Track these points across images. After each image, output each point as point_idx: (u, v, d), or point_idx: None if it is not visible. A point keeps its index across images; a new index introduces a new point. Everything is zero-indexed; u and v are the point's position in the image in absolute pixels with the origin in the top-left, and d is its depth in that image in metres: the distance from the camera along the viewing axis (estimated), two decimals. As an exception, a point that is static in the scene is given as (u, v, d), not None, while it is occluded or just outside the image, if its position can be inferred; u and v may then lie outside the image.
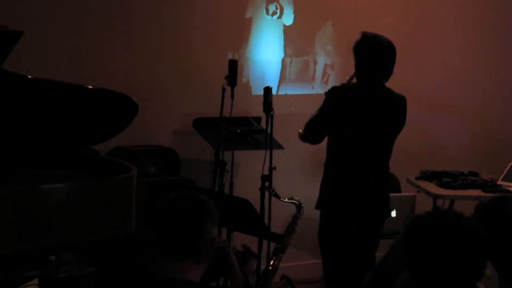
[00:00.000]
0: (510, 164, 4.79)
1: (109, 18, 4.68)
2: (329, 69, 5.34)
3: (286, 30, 5.18)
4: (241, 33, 5.06)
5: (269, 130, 4.14)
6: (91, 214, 3.45)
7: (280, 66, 5.20)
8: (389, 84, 3.78)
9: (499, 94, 5.88)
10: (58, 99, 3.64)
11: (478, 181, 4.74)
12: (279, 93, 5.18)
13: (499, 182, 4.72)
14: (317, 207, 3.86)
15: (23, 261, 3.52)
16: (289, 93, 5.24)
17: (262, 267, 3.87)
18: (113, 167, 3.78)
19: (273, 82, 5.11)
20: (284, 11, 5.15)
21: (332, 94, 3.76)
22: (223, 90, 4.27)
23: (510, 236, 2.28)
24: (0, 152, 3.61)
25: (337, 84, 3.94)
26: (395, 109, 3.80)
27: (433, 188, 4.69)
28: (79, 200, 3.43)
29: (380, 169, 3.82)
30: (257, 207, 3.90)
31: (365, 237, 3.80)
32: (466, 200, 4.41)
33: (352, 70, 3.78)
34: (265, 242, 4.02)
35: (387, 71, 3.74)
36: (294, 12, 5.18)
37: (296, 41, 5.23)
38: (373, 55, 3.69)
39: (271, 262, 3.73)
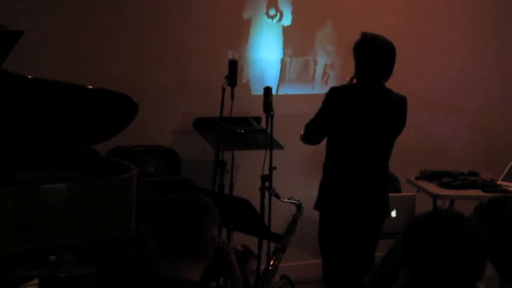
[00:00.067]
0: (510, 164, 4.80)
1: (109, 18, 4.68)
2: (329, 69, 5.34)
3: (286, 30, 5.18)
4: (241, 33, 5.06)
5: (269, 130, 4.13)
6: (91, 214, 3.45)
7: (279, 66, 5.20)
8: (389, 84, 3.78)
9: (499, 94, 5.87)
10: (58, 99, 3.65)
11: (478, 181, 4.74)
12: (279, 93, 5.18)
13: (499, 182, 4.72)
14: (316, 207, 3.85)
15: (23, 261, 3.52)
16: (289, 93, 5.24)
17: (262, 267, 3.87)
18: (113, 167, 3.78)
19: (272, 82, 5.11)
20: (284, 14, 5.15)
21: (332, 94, 3.76)
22: (223, 90, 4.27)
23: (510, 236, 2.28)
24: (0, 152, 3.61)
25: (337, 84, 3.94)
26: (395, 109, 3.80)
27: (433, 188, 4.69)
28: (79, 200, 3.43)
29: (380, 169, 3.82)
30: (257, 207, 3.90)
31: (365, 237, 3.79)
32: (466, 200, 4.40)
33: (352, 70, 3.78)
34: (265, 242, 4.01)
35: (387, 71, 3.74)
36: (294, 12, 5.18)
37: (296, 41, 5.23)
38: (373, 55, 3.69)
39: (271, 262, 3.73)
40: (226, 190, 4.33)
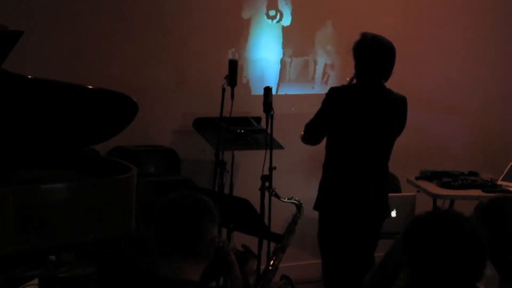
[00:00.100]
0: (510, 164, 4.79)
1: (109, 18, 4.68)
2: (329, 69, 5.34)
3: (286, 30, 5.18)
4: (241, 33, 5.06)
5: (269, 130, 4.13)
6: (91, 214, 3.45)
7: (279, 66, 5.20)
8: (389, 84, 3.78)
9: (499, 94, 5.87)
10: (58, 99, 3.65)
11: (478, 181, 4.74)
12: (279, 93, 5.18)
13: (499, 182, 4.72)
14: (315, 207, 3.84)
15: (23, 261, 3.52)
16: (289, 93, 5.24)
17: (262, 267, 3.87)
18: (113, 167, 3.78)
19: (272, 82, 5.11)
20: (284, 14, 5.15)
21: (331, 94, 3.76)
22: (223, 90, 4.27)
23: (510, 236, 2.28)
24: (0, 152, 3.61)
25: (337, 84, 3.94)
26: (395, 109, 3.80)
27: (433, 188, 4.69)
28: (79, 200, 3.43)
29: (380, 169, 3.82)
30: (257, 207, 3.90)
31: (365, 237, 3.79)
32: (466, 200, 4.40)
33: (352, 71, 3.78)
34: (265, 242, 4.01)
35: (387, 72, 3.74)
36: (294, 12, 5.18)
37: (296, 41, 5.23)
38: (373, 55, 3.69)
39: (271, 262, 3.73)
40: (226, 190, 4.33)
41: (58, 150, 3.84)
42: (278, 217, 4.29)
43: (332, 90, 3.79)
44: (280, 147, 4.52)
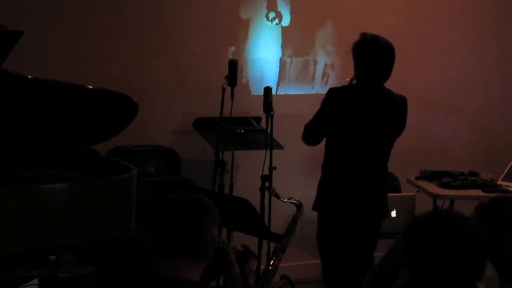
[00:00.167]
0: (510, 164, 4.79)
1: (109, 18, 4.68)
2: (329, 69, 5.34)
3: (286, 30, 5.18)
4: (240, 33, 5.06)
5: (269, 130, 4.14)
6: (91, 214, 3.45)
7: (279, 66, 5.20)
8: (389, 84, 3.78)
9: (499, 94, 5.87)
10: (58, 99, 3.64)
11: (478, 181, 4.74)
12: (279, 93, 5.18)
13: (499, 182, 4.72)
14: (314, 208, 3.84)
15: (23, 261, 3.52)
16: (289, 93, 5.24)
17: (262, 267, 3.87)
18: (113, 167, 3.78)
19: (272, 82, 5.11)
20: (284, 15, 5.15)
21: (331, 94, 3.76)
22: (223, 90, 4.27)
23: (510, 236, 2.28)
24: (0, 152, 3.61)
25: (337, 84, 3.94)
26: (394, 109, 3.80)
27: (433, 188, 4.69)
28: (79, 200, 3.43)
29: (380, 169, 3.82)
30: (257, 207, 3.90)
31: (365, 237, 3.79)
32: (466, 200, 4.40)
33: (352, 71, 3.78)
34: (265, 242, 4.02)
35: (386, 72, 3.73)
36: (295, 12, 5.18)
37: (296, 41, 5.23)
38: (372, 55, 3.69)
39: (271, 262, 3.74)
40: (226, 190, 4.33)
41: (58, 150, 3.84)
42: (278, 217, 4.29)
43: (332, 91, 3.79)
44: (280, 147, 4.52)
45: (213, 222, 2.30)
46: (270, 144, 4.11)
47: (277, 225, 4.20)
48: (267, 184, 3.98)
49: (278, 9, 5.14)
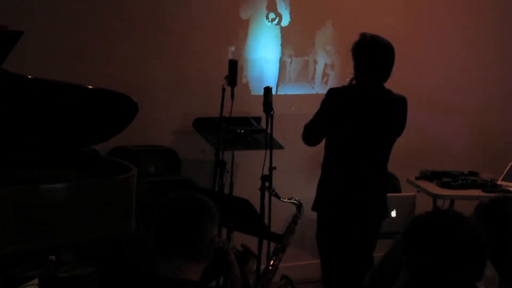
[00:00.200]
0: (510, 164, 4.79)
1: (109, 18, 4.68)
2: (329, 69, 5.34)
3: (286, 30, 5.18)
4: (240, 33, 5.06)
5: (269, 130, 4.14)
6: (91, 214, 3.45)
7: (278, 66, 5.20)
8: (389, 84, 3.78)
9: (499, 94, 5.88)
10: (58, 99, 3.65)
11: (478, 181, 4.74)
12: (278, 93, 5.18)
13: (499, 182, 4.72)
14: (314, 208, 3.84)
15: (23, 261, 3.52)
16: (289, 93, 5.24)
17: (262, 267, 3.87)
18: (113, 167, 3.78)
19: (272, 82, 5.11)
20: (284, 15, 5.15)
21: (331, 94, 3.76)
22: (223, 90, 4.27)
23: (510, 236, 2.28)
24: (0, 152, 3.61)
25: (338, 84, 3.94)
26: (394, 109, 3.80)
27: (433, 188, 4.69)
28: (79, 200, 3.43)
29: (380, 169, 3.83)
30: (257, 207, 3.90)
31: (365, 237, 3.80)
32: (466, 200, 4.40)
33: (352, 71, 3.78)
34: (265, 242, 4.02)
35: (386, 72, 3.73)
36: (295, 12, 5.17)
37: (296, 41, 5.23)
38: (371, 56, 3.69)
39: (271, 262, 3.74)
40: (226, 190, 4.33)
41: (58, 150, 3.84)
42: (278, 217, 4.29)
43: (332, 91, 3.79)
44: (280, 147, 4.52)
45: (213, 222, 2.30)
46: (270, 144, 4.11)
47: (277, 225, 4.20)
48: (267, 184, 3.98)
49: (278, 10, 5.14)
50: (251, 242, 3.37)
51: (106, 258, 3.75)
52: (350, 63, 3.76)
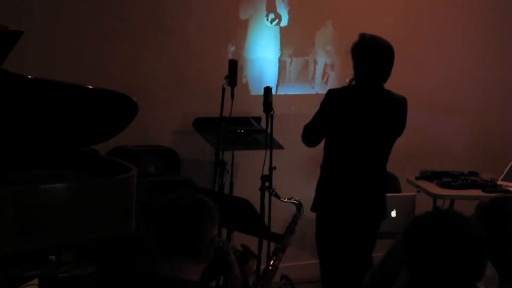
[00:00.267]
0: (510, 164, 4.79)
1: (109, 18, 4.68)
2: (329, 69, 5.34)
3: (286, 30, 5.18)
4: (240, 33, 5.06)
5: (269, 130, 4.14)
6: (91, 214, 3.45)
7: (278, 66, 5.20)
8: (389, 84, 3.78)
9: (499, 94, 5.88)
10: (58, 99, 3.65)
11: (478, 181, 4.74)
12: (278, 93, 5.18)
13: (499, 182, 4.72)
14: (313, 209, 3.84)
15: (23, 261, 3.52)
16: (289, 93, 5.24)
17: (262, 267, 3.87)
18: (113, 167, 3.78)
19: (272, 82, 5.11)
20: (283, 15, 5.15)
21: (331, 95, 3.75)
22: (223, 90, 4.27)
23: (510, 236, 2.28)
24: (0, 152, 3.61)
25: (338, 84, 3.94)
26: (394, 109, 3.80)
27: (433, 188, 4.69)
28: (79, 200, 3.43)
29: (380, 169, 3.83)
30: (257, 207, 3.90)
31: (365, 238, 3.80)
32: (466, 200, 4.40)
33: (352, 71, 3.78)
34: (265, 242, 4.02)
35: (385, 73, 3.73)
36: (295, 12, 5.17)
37: (295, 41, 5.23)
38: (371, 56, 3.68)
39: (271, 262, 3.73)
40: (226, 190, 4.33)
41: (58, 150, 3.84)
42: (278, 217, 4.29)
43: (331, 92, 3.79)
44: (280, 147, 4.52)
45: (213, 222, 2.30)
46: (270, 144, 4.11)
47: (277, 225, 4.20)
48: (267, 184, 3.98)
49: (278, 10, 5.14)
50: (251, 242, 3.37)
51: (106, 258, 3.75)
52: (350, 63, 3.76)
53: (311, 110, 3.84)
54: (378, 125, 3.74)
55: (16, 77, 3.43)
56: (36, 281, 3.45)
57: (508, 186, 4.65)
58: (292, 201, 3.87)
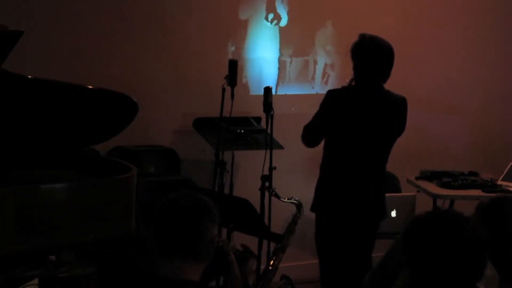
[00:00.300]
0: (510, 164, 4.79)
1: (109, 18, 4.68)
2: (329, 69, 5.34)
3: (286, 30, 5.18)
4: (240, 33, 5.06)
5: (269, 130, 4.14)
6: (91, 214, 3.45)
7: (277, 66, 5.20)
8: (389, 84, 3.78)
9: (499, 94, 5.88)
10: (58, 99, 3.64)
11: (478, 181, 4.74)
12: (278, 93, 5.18)
13: (499, 182, 4.72)
14: (312, 209, 3.84)
15: (23, 261, 3.52)
16: (289, 93, 5.24)
17: (262, 267, 3.87)
18: (113, 167, 3.78)
19: (272, 82, 5.11)
20: (283, 15, 5.15)
21: (331, 95, 3.75)
22: (223, 90, 4.27)
23: (510, 236, 2.28)
24: (0, 152, 3.61)
25: (337, 84, 3.94)
26: (394, 109, 3.79)
27: (433, 188, 4.69)
28: (79, 200, 3.43)
29: (379, 170, 3.83)
30: (257, 207, 3.90)
31: (365, 238, 3.79)
32: (466, 200, 4.40)
33: (352, 71, 3.78)
34: (265, 242, 4.02)
35: (385, 73, 3.73)
36: (294, 12, 5.17)
37: (296, 41, 5.23)
38: (370, 57, 3.68)
39: (271, 262, 3.73)
40: (226, 190, 4.33)
41: (58, 150, 3.84)
42: (278, 217, 4.29)
43: (331, 92, 3.79)
44: (280, 147, 4.52)
45: (213, 222, 2.30)
46: (270, 144, 4.11)
47: (277, 225, 4.20)
48: (267, 184, 3.98)
49: (277, 10, 5.14)
50: (251, 242, 3.37)
51: (106, 258, 3.75)
52: (350, 63, 3.76)
53: (311, 110, 3.84)
54: (378, 126, 3.74)
55: (16, 77, 3.43)
56: (36, 281, 3.45)
57: (508, 186, 4.65)
58: (292, 201, 3.87)
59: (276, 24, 5.15)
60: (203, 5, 4.92)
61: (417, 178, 4.88)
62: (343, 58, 4.01)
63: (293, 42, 5.22)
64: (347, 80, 3.80)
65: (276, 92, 5.14)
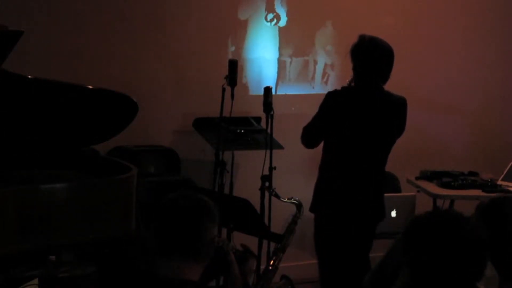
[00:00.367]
0: (510, 164, 4.79)
1: (109, 18, 4.68)
2: (329, 69, 5.34)
3: (286, 30, 5.18)
4: (240, 34, 5.06)
5: (269, 130, 4.14)
6: (91, 214, 3.45)
7: (277, 66, 5.20)
8: (389, 84, 3.78)
9: (499, 94, 5.87)
10: (58, 99, 3.64)
11: (478, 181, 4.74)
12: (278, 93, 5.18)
13: (499, 182, 4.72)
14: (312, 209, 3.83)
15: (23, 261, 3.52)
16: (289, 93, 5.24)
17: (262, 267, 3.87)
18: (113, 167, 3.78)
19: (272, 82, 5.11)
20: (282, 16, 5.15)
21: (331, 96, 3.75)
22: (223, 90, 4.27)
23: (510, 236, 2.28)
24: (0, 152, 3.61)
25: (337, 84, 3.94)
26: (394, 110, 3.79)
27: (433, 188, 4.69)
28: (79, 200, 3.43)
29: (379, 170, 3.83)
30: (257, 207, 3.90)
31: (364, 238, 3.80)
32: (466, 200, 4.40)
33: (352, 71, 3.78)
34: (265, 242, 4.02)
35: (384, 74, 3.72)
36: (294, 12, 5.18)
37: (295, 41, 5.23)
38: (370, 58, 3.68)
39: (271, 262, 3.73)
40: (226, 190, 4.33)
41: (58, 150, 3.84)
42: (278, 217, 4.29)
43: (331, 93, 3.78)
44: (280, 147, 4.52)
45: (213, 222, 2.30)
46: (270, 144, 4.11)
47: (277, 225, 4.21)
48: (267, 184, 3.98)
49: (277, 10, 5.14)
50: (251, 242, 3.37)
51: (106, 258, 3.75)
52: (350, 63, 3.76)
53: (311, 110, 3.84)
54: (377, 126, 3.74)
55: (16, 77, 3.43)
56: (36, 281, 3.45)
57: (508, 186, 4.65)
58: (292, 201, 3.87)
59: (275, 24, 5.15)
60: (203, 5, 4.93)
61: (417, 178, 4.88)
62: (343, 58, 4.01)
63: (293, 42, 5.22)
64: (347, 81, 3.80)
65: (276, 92, 5.14)
